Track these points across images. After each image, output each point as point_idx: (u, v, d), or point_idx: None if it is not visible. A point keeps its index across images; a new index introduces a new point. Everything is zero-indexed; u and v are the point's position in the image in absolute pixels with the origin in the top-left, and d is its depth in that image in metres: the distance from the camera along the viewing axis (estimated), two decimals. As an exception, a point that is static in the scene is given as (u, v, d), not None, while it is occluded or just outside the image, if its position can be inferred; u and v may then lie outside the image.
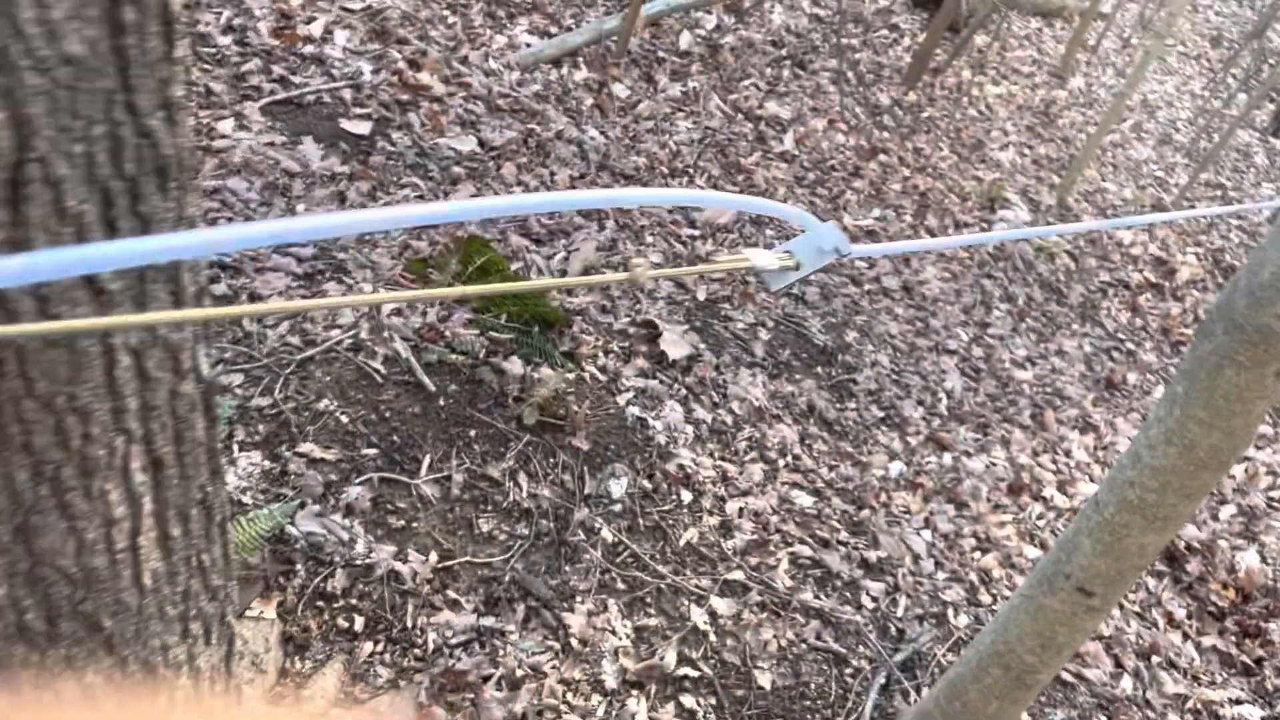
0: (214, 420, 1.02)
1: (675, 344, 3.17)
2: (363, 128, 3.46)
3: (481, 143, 3.69)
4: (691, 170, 4.21)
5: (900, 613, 2.74)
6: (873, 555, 2.86)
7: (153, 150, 0.78)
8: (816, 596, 2.66)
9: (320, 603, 2.16)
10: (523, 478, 2.58)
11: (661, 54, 4.88)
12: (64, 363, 0.80)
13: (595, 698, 2.25)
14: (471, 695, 2.15)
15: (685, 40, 5.07)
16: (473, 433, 2.61)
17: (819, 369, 3.53)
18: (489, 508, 2.48)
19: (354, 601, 2.18)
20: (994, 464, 3.49)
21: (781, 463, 3.04)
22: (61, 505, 0.87)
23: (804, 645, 2.53)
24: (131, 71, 0.73)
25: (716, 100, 4.77)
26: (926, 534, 3.03)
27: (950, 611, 2.81)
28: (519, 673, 2.21)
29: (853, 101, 5.32)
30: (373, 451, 2.45)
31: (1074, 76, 6.94)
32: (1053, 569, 1.84)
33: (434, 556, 2.33)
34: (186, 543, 1.02)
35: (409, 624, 2.22)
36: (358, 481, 2.38)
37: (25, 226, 0.73)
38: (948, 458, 3.41)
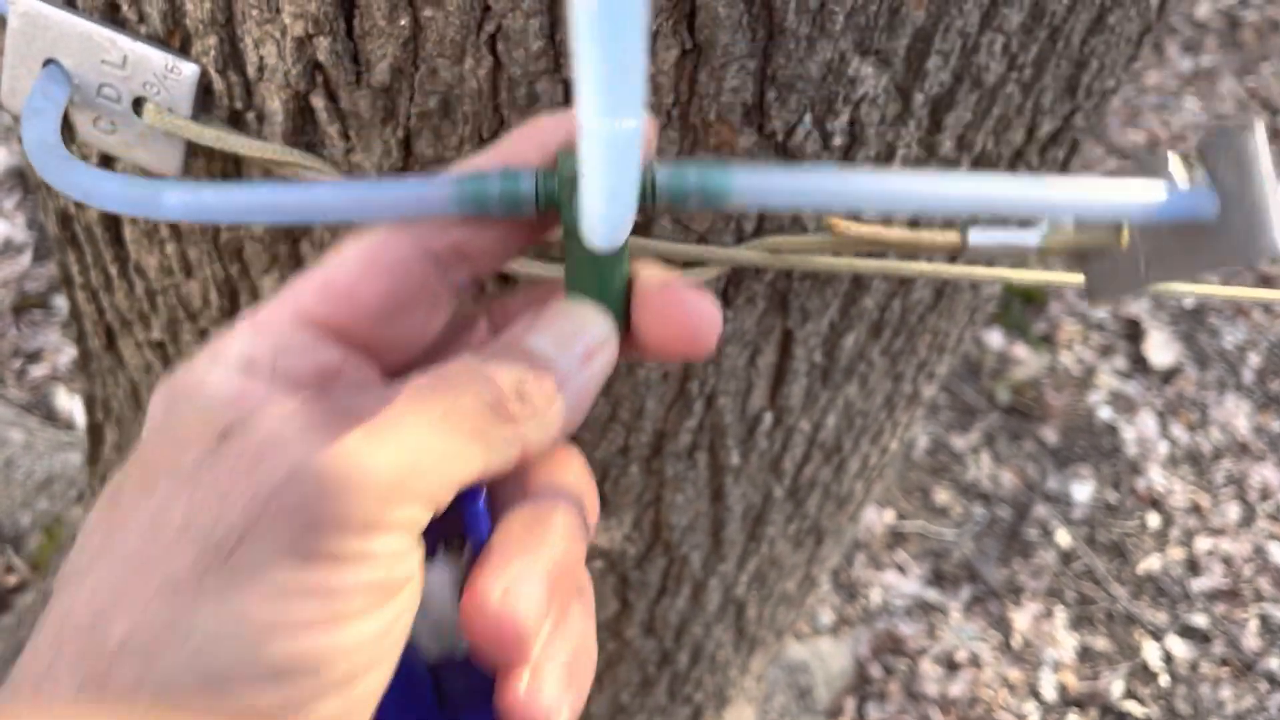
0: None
1: (1162, 349, 2.88)
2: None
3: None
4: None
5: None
6: (1359, 641, 2.49)
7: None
8: (1285, 668, 2.36)
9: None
10: (985, 457, 2.46)
11: (1175, 21, 4.37)
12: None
13: (1030, 704, 2.14)
14: (908, 663, 2.12)
15: (1203, 10, 4.52)
16: (942, 398, 2.52)
17: (1313, 411, 3.08)
18: (947, 479, 2.40)
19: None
20: None
21: (1261, 508, 2.70)
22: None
23: (1263, 717, 2.25)
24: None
25: (1230, 83, 4.23)
26: None
27: None
28: (958, 655, 2.14)
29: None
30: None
31: None
32: None
33: (889, 514, 2.30)
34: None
35: (855, 575, 2.21)
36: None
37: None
38: None
